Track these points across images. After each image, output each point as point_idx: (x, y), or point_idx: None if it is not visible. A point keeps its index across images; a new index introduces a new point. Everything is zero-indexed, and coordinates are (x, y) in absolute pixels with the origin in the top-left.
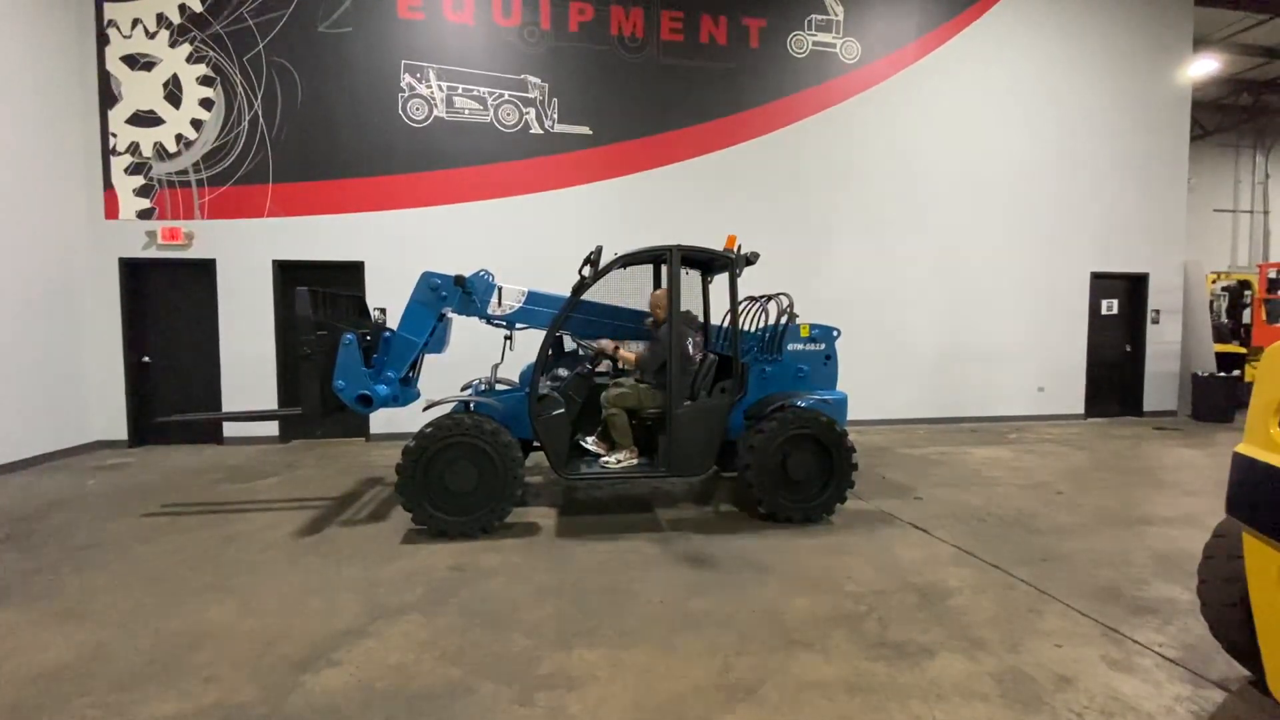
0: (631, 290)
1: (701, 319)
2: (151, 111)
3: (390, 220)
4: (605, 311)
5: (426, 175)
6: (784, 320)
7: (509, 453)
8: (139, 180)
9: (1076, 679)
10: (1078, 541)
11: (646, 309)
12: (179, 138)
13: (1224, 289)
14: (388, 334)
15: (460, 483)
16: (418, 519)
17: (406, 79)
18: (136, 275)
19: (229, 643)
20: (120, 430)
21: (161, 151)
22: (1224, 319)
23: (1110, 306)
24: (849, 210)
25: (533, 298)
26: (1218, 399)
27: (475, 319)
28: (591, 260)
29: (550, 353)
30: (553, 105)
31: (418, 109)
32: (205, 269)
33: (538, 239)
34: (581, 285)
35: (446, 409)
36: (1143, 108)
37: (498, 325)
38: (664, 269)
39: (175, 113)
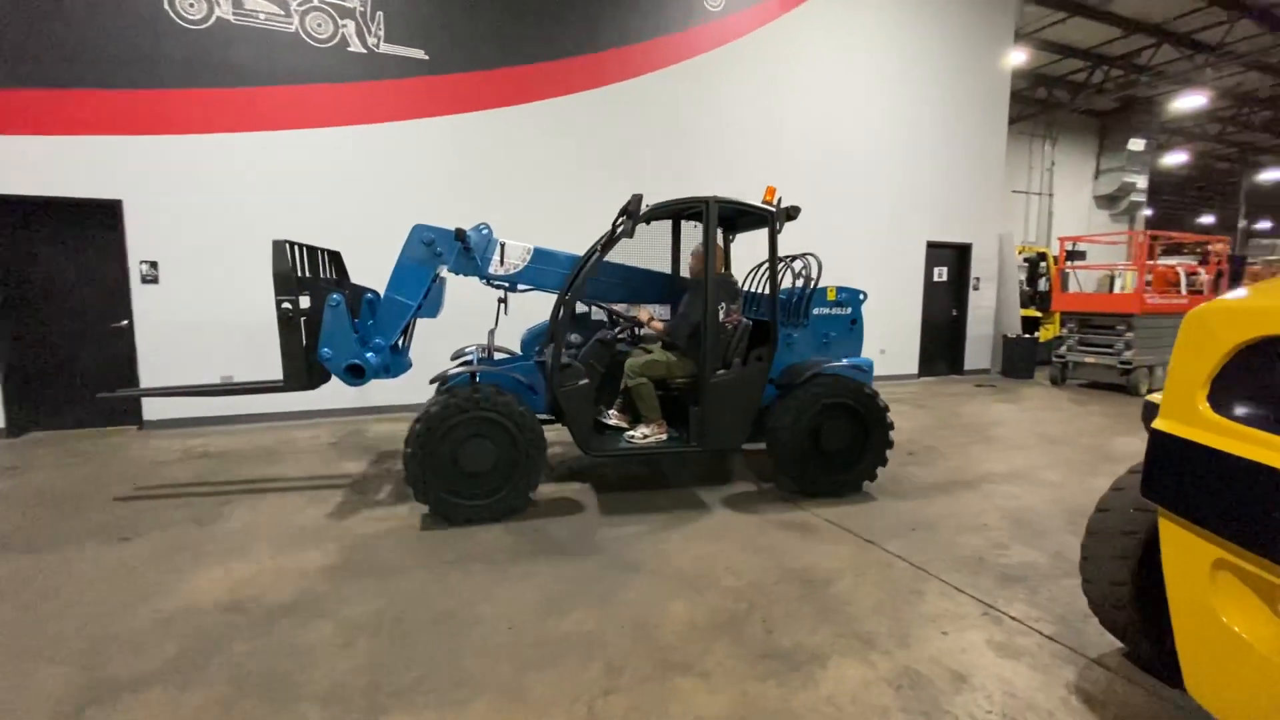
0: (644, 249)
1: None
2: None
3: (159, 147)
4: (621, 272)
5: (208, 93)
6: (810, 282)
7: (528, 423)
8: None
9: (970, 674)
10: (937, 506)
11: (667, 270)
12: None
13: (1025, 260)
14: (370, 296)
15: (477, 463)
16: (434, 508)
17: None
18: None
19: None
20: None
21: None
22: (1026, 287)
23: (941, 274)
24: (705, 167)
25: (540, 255)
26: (1022, 358)
27: (472, 281)
28: (630, 212)
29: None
30: (378, 20)
31: (192, 5)
32: None
33: (360, 179)
34: (610, 241)
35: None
36: (974, 88)
37: (498, 286)
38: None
39: None
